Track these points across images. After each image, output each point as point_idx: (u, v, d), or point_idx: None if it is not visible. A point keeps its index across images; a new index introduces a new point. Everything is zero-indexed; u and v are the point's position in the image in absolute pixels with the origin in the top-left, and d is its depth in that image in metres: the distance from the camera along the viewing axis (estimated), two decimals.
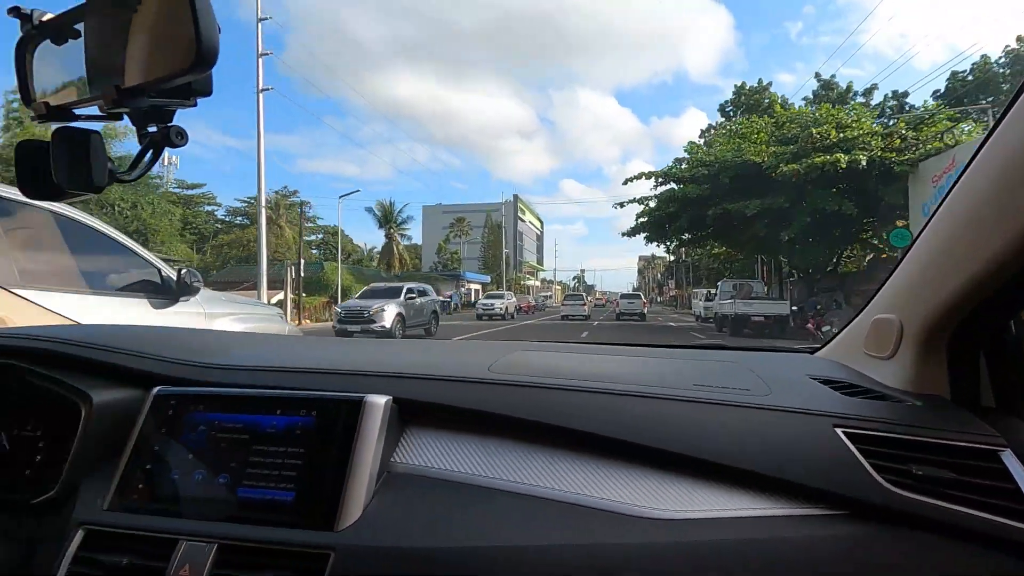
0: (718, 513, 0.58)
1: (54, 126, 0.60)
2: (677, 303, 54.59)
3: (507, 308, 27.83)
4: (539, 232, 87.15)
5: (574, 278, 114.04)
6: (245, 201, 42.22)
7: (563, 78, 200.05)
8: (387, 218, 47.11)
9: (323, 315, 25.21)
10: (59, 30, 0.58)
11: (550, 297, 64.03)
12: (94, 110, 0.58)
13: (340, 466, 0.62)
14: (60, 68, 0.60)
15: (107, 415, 0.71)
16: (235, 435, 0.66)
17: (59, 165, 0.58)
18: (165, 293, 3.19)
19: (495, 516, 0.59)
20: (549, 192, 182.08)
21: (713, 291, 22.82)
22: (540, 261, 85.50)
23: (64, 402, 0.71)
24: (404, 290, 14.92)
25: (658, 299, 73.82)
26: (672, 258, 56.04)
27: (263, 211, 18.51)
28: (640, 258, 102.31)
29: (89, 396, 0.71)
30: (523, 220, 73.51)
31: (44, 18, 0.58)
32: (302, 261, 23.68)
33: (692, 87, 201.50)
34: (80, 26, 0.57)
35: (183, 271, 3.30)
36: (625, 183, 21.31)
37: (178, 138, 0.58)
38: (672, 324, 24.96)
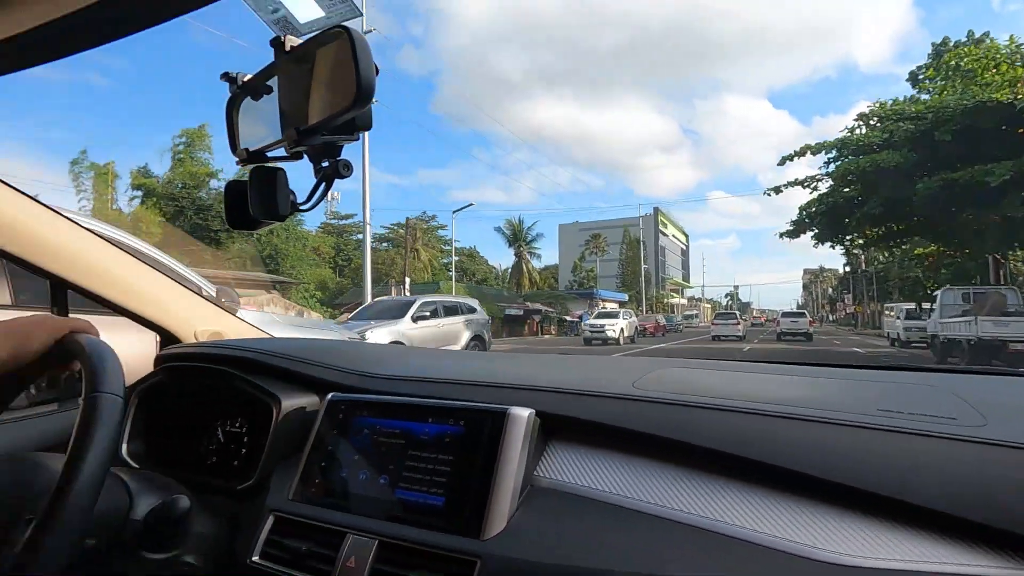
0: (922, 565, 0.49)
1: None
2: (857, 322, 44.16)
3: (622, 330, 22.21)
4: (684, 247, 79.98)
5: (726, 295, 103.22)
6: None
7: (707, 86, 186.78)
8: (516, 236, 45.04)
9: None
10: (256, 88, 0.69)
11: (696, 316, 57.01)
12: (280, 152, 0.68)
13: (486, 476, 0.64)
14: (255, 118, 0.71)
15: (292, 416, 0.82)
16: (393, 440, 0.72)
17: (254, 199, 0.68)
18: None
19: (642, 541, 0.56)
20: (695, 206, 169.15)
21: (927, 305, 15.59)
22: (686, 278, 77.98)
23: (260, 404, 0.85)
24: (415, 305, 10.48)
25: (829, 317, 62.00)
26: (847, 268, 45.61)
27: (368, 228, 16.92)
28: (805, 271, 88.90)
29: (279, 399, 0.83)
30: (665, 234, 67.51)
31: (245, 79, 0.69)
32: (408, 280, 21.32)
33: (862, 78, 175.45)
34: (272, 82, 0.68)
35: (217, 291, 3.29)
36: (782, 163, 15.55)
37: (345, 170, 0.65)
38: (858, 349, 17.88)
